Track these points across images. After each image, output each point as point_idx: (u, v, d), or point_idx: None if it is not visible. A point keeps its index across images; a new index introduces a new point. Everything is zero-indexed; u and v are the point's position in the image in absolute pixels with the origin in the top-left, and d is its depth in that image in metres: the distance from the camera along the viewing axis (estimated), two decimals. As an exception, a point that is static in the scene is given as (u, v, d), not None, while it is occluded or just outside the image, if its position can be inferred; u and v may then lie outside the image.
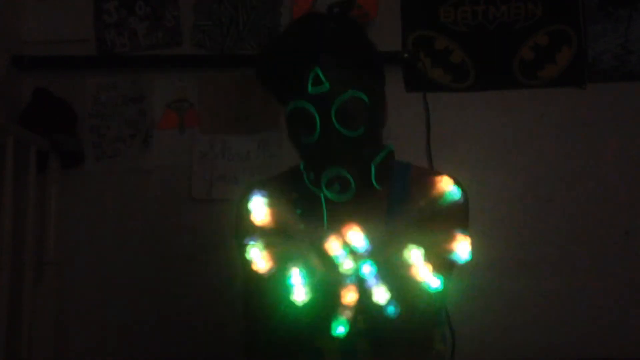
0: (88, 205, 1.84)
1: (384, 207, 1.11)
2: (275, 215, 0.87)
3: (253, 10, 1.88)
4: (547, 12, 1.83)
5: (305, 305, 0.88)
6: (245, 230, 1.10)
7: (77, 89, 1.86)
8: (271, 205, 0.88)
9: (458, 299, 1.25)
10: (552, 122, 1.80)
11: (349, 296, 0.86)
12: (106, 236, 1.82)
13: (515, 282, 1.72)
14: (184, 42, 1.89)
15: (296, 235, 0.89)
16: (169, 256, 1.80)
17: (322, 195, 1.04)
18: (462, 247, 0.88)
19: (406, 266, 0.87)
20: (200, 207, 1.81)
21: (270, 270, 0.90)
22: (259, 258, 0.88)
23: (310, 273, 0.86)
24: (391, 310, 0.86)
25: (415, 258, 0.86)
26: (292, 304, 0.87)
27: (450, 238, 0.89)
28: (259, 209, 0.87)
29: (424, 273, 0.86)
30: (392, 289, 0.87)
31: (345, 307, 0.88)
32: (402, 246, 0.88)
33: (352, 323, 0.91)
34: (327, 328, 0.89)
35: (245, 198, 1.16)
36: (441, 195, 0.86)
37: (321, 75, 0.99)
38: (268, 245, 0.90)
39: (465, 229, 1.09)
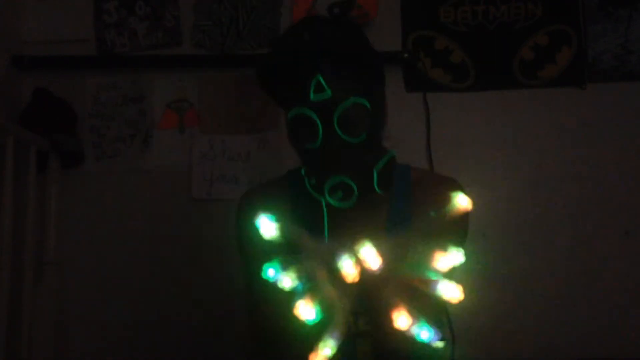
0: (88, 205, 1.84)
1: (385, 211, 1.10)
2: (284, 233, 0.85)
3: (253, 10, 1.88)
4: (547, 12, 1.83)
5: (313, 324, 0.88)
6: (249, 245, 1.11)
7: (77, 89, 1.86)
8: (279, 223, 0.86)
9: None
10: (552, 122, 1.80)
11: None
12: (106, 236, 1.82)
13: (515, 282, 1.72)
14: (184, 42, 1.89)
15: (306, 252, 0.88)
16: (168, 256, 1.80)
17: (323, 201, 1.04)
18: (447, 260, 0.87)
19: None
20: (200, 207, 1.81)
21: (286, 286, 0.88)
22: (279, 277, 0.87)
23: (320, 293, 0.84)
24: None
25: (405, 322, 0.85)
26: (301, 323, 0.86)
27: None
28: (269, 230, 0.86)
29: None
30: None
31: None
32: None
33: (353, 325, 0.91)
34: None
35: (245, 208, 1.17)
36: (454, 209, 0.84)
37: (323, 82, 0.98)
38: (283, 263, 0.88)
39: (464, 240, 1.10)
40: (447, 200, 0.82)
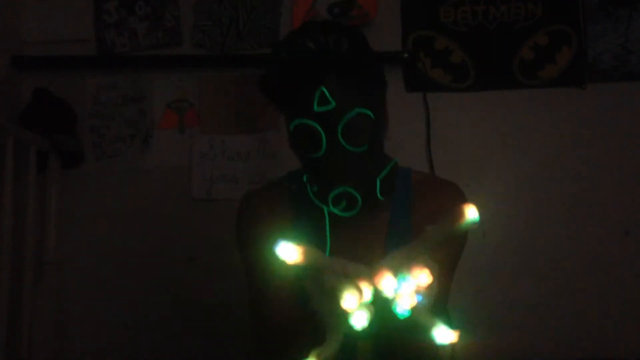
0: (88, 205, 1.84)
1: (386, 216, 1.11)
2: (305, 255, 0.84)
3: (253, 10, 1.88)
4: (547, 12, 1.83)
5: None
6: (250, 247, 1.11)
7: (77, 89, 1.86)
8: (299, 247, 0.84)
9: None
10: (552, 122, 1.80)
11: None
12: (106, 236, 1.82)
13: (515, 281, 1.72)
14: (184, 42, 1.89)
15: (326, 271, 0.87)
16: (168, 256, 1.80)
17: (325, 208, 1.04)
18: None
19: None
20: (200, 207, 1.81)
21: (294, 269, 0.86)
22: (289, 251, 0.84)
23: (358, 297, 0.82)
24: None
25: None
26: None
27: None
28: (290, 254, 0.83)
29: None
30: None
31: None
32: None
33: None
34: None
35: (245, 210, 1.17)
36: (462, 223, 0.82)
37: (327, 94, 0.97)
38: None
39: (462, 249, 1.10)
40: (457, 213, 0.80)
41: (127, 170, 1.84)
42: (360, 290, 0.80)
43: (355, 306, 0.79)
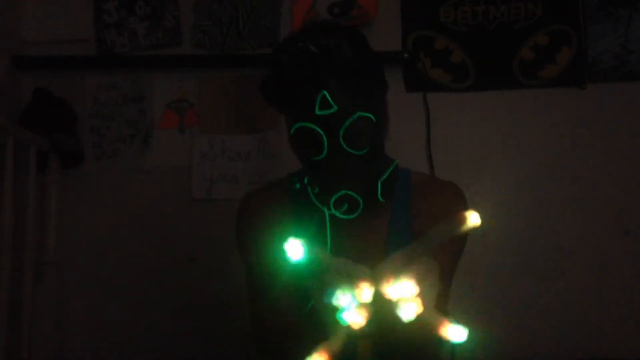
0: (88, 205, 1.84)
1: (386, 217, 1.11)
2: (312, 253, 0.83)
3: (253, 10, 1.88)
4: (547, 12, 1.83)
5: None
6: (251, 246, 1.11)
7: (77, 89, 1.87)
8: (308, 247, 0.84)
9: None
10: (552, 122, 1.80)
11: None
12: (106, 236, 1.82)
13: (515, 282, 1.72)
14: (184, 42, 1.89)
15: (332, 271, 0.86)
16: (168, 256, 1.80)
17: (326, 210, 1.04)
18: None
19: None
20: (200, 207, 1.81)
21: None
22: (297, 248, 0.83)
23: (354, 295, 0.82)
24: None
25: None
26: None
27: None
28: (298, 251, 0.83)
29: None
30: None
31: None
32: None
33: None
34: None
35: (245, 211, 1.17)
36: (465, 227, 0.82)
37: (329, 97, 0.97)
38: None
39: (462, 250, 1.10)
40: (459, 218, 0.80)
41: (127, 170, 1.84)
42: (357, 289, 0.79)
43: (347, 304, 0.79)
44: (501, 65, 1.82)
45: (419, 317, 0.79)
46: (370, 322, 0.80)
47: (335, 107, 0.98)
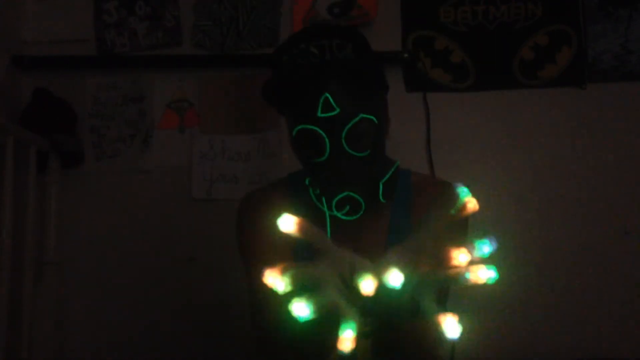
0: (88, 205, 1.84)
1: (387, 217, 1.11)
2: (304, 229, 0.82)
3: (253, 10, 1.88)
4: (547, 12, 1.83)
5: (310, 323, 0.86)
6: (251, 247, 1.11)
7: (77, 89, 1.87)
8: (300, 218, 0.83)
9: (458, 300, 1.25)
10: (552, 122, 1.80)
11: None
12: (106, 236, 1.82)
13: (515, 282, 1.72)
14: (184, 42, 1.89)
15: (323, 256, 0.85)
16: (168, 256, 1.80)
17: (327, 211, 1.04)
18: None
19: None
20: (200, 207, 1.81)
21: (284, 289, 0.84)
22: (276, 281, 0.82)
23: (321, 297, 0.81)
24: None
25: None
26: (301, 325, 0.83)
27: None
28: (288, 224, 0.82)
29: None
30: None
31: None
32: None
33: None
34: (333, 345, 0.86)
35: (245, 212, 1.17)
36: (463, 210, 0.81)
37: (331, 100, 0.98)
38: (285, 269, 0.84)
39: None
40: (455, 200, 0.80)
41: (127, 170, 1.84)
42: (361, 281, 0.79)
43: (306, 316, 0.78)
44: (501, 65, 1.82)
45: (421, 310, 0.80)
46: (370, 321, 0.80)
47: (338, 110, 0.98)
